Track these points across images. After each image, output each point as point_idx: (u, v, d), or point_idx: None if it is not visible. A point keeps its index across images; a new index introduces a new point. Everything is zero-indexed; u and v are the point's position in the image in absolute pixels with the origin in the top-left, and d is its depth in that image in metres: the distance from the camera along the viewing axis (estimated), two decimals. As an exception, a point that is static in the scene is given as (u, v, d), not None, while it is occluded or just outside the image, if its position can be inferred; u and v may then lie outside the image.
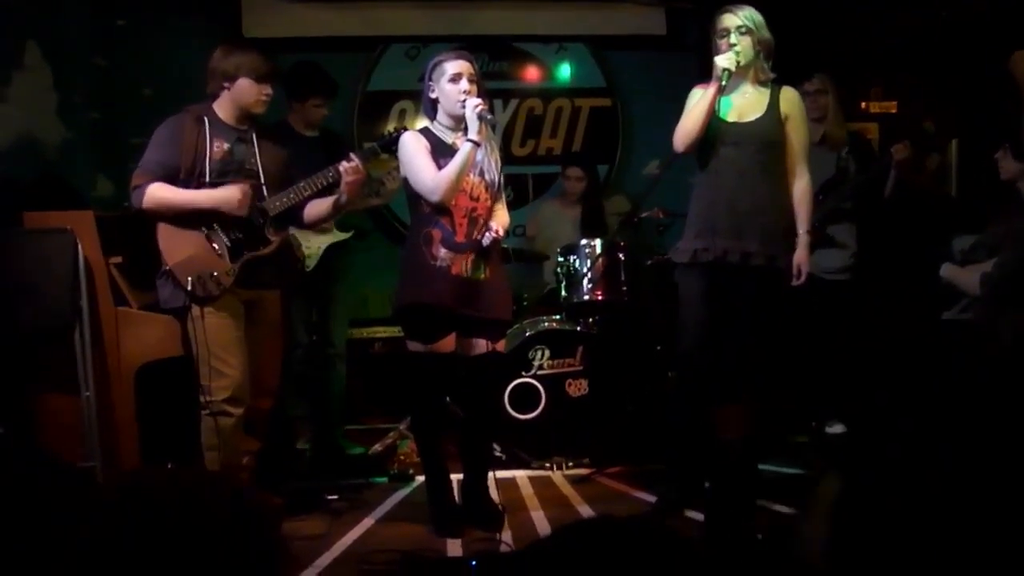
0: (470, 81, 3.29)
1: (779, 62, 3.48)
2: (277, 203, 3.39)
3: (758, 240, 3.34)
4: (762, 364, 3.43)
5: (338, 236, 4.35)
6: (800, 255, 3.42)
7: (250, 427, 3.41)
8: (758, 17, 3.38)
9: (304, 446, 4.49)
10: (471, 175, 3.31)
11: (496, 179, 3.36)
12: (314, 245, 4.27)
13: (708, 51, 3.50)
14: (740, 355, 3.41)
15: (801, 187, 3.46)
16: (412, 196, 3.38)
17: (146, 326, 3.42)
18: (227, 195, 3.27)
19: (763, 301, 3.38)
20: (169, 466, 3.45)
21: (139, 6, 5.46)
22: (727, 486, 3.32)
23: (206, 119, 3.33)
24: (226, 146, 3.35)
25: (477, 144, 3.24)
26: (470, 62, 3.33)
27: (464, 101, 3.25)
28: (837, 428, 4.69)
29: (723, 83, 3.29)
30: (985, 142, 4.17)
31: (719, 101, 3.36)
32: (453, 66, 3.30)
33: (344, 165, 3.36)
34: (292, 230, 3.80)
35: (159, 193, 3.23)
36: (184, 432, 3.40)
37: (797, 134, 3.45)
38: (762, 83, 3.45)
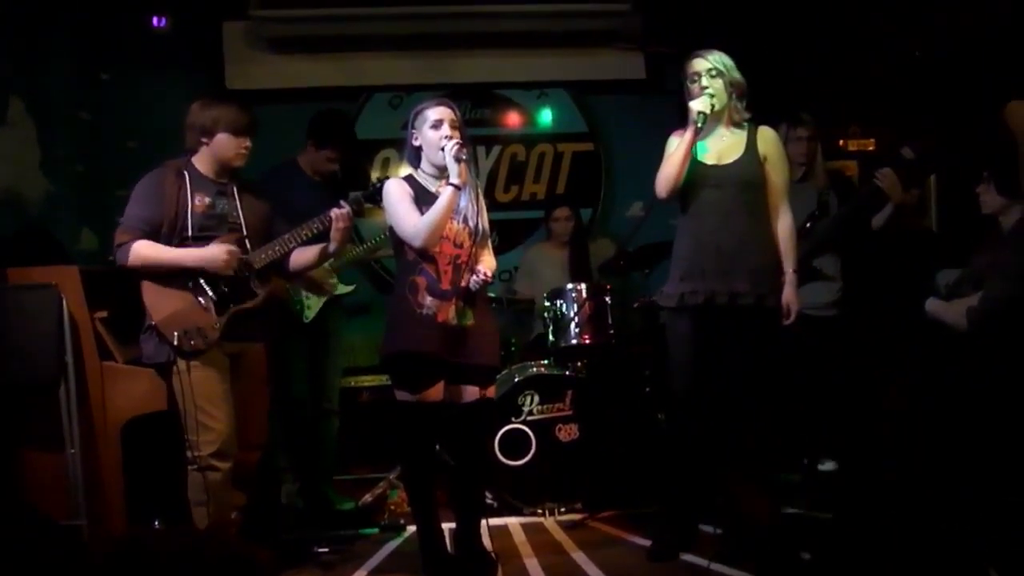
0: (452, 127, 3.30)
1: (759, 102, 3.53)
2: (263, 256, 3.38)
3: (746, 280, 3.35)
4: (756, 404, 3.42)
5: (341, 290, 4.34)
6: (788, 294, 3.43)
7: (237, 481, 3.36)
8: (728, 60, 3.43)
9: (294, 499, 4.42)
10: (454, 222, 3.32)
11: (480, 225, 3.37)
12: (315, 298, 4.25)
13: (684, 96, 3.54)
14: (734, 396, 3.41)
15: (784, 225, 3.48)
16: (397, 244, 3.38)
17: (132, 381, 3.38)
18: (213, 255, 3.26)
19: (754, 341, 3.39)
20: (157, 524, 3.41)
21: (123, 60, 5.49)
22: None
23: (186, 173, 3.32)
24: (207, 200, 3.34)
25: (458, 188, 3.25)
26: (452, 109, 3.36)
27: (444, 147, 3.27)
28: (829, 466, 4.67)
29: (699, 126, 3.33)
30: (964, 176, 4.22)
31: (697, 145, 3.40)
32: (434, 113, 3.32)
33: (335, 212, 3.36)
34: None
35: (144, 251, 3.22)
36: (171, 488, 3.35)
37: (777, 173, 3.49)
38: (737, 124, 3.49)
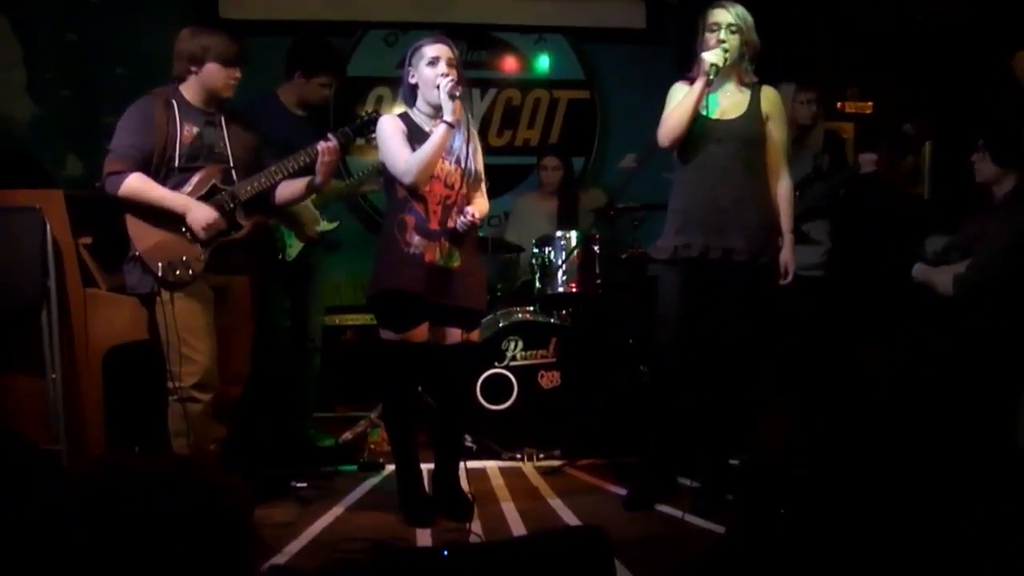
0: (448, 65, 3.25)
1: (759, 61, 3.49)
2: (248, 188, 3.34)
3: (741, 237, 3.34)
4: (745, 360, 3.43)
5: (325, 227, 4.30)
6: (786, 254, 3.44)
7: (218, 413, 3.36)
8: (749, 18, 3.37)
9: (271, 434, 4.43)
10: (447, 162, 3.28)
11: (472, 167, 3.33)
12: (298, 236, 4.21)
13: (688, 45, 3.49)
14: (721, 351, 3.42)
15: (784, 187, 3.47)
16: (388, 181, 3.35)
17: (115, 308, 3.36)
18: (201, 214, 3.21)
19: (745, 298, 3.39)
20: (137, 450, 3.41)
21: (113, -17, 5.37)
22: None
23: (175, 103, 3.27)
24: (195, 130, 3.29)
25: (451, 126, 3.21)
26: (449, 46, 3.30)
27: (439, 84, 3.22)
28: None
29: (711, 78, 3.28)
30: (959, 144, 4.21)
31: (704, 97, 3.36)
32: (432, 50, 3.27)
33: (322, 145, 3.31)
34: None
35: (137, 184, 3.17)
36: (151, 417, 3.35)
37: (777, 133, 3.46)
38: (744, 84, 3.45)
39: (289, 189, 3.43)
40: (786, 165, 3.50)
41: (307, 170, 3.39)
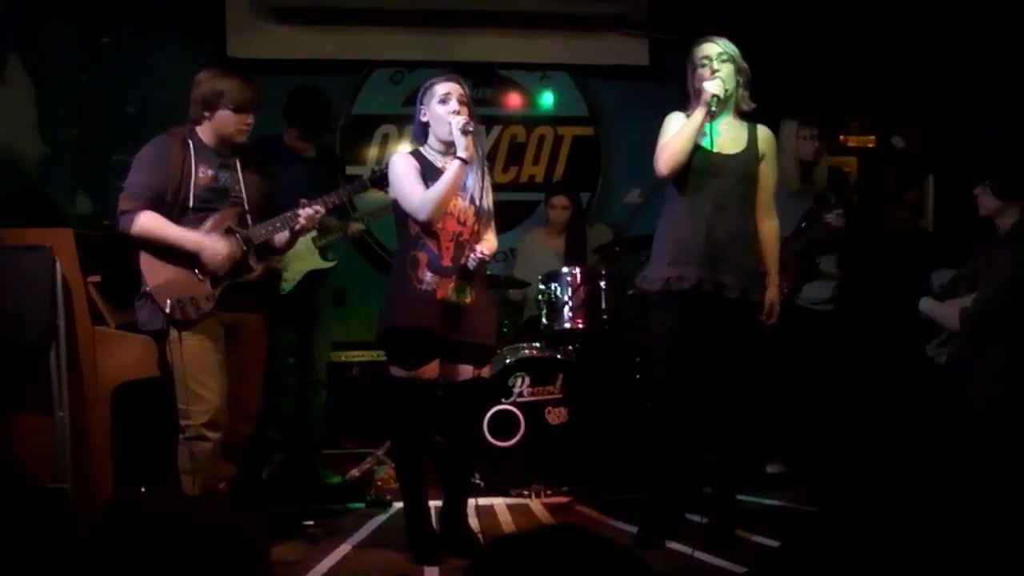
0: (460, 102, 3.28)
1: (762, 96, 3.52)
2: (262, 232, 3.35)
3: (733, 273, 3.34)
4: (737, 395, 3.42)
5: (321, 264, 4.31)
6: (772, 294, 3.44)
7: (227, 452, 3.36)
8: (734, 47, 3.41)
9: (280, 472, 4.42)
10: (461, 200, 3.30)
11: (484, 204, 3.35)
12: (294, 270, 4.22)
13: (687, 83, 3.52)
14: (713, 386, 3.41)
15: (771, 227, 3.48)
16: (400, 218, 3.37)
17: (124, 346, 3.36)
18: (215, 248, 3.23)
19: (735, 334, 3.38)
20: (143, 490, 3.39)
21: (124, 24, 5.43)
22: None
23: (191, 143, 3.29)
24: (210, 172, 3.31)
25: (465, 162, 3.23)
26: (460, 84, 3.34)
27: (451, 121, 3.25)
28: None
29: (712, 108, 3.31)
30: (962, 177, 4.22)
31: (706, 127, 3.38)
32: (443, 87, 3.31)
33: (302, 214, 3.33)
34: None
35: (149, 223, 3.18)
36: (159, 455, 3.34)
37: (769, 173, 3.48)
38: (742, 115, 3.47)
39: (280, 236, 3.45)
40: (774, 206, 3.51)
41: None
